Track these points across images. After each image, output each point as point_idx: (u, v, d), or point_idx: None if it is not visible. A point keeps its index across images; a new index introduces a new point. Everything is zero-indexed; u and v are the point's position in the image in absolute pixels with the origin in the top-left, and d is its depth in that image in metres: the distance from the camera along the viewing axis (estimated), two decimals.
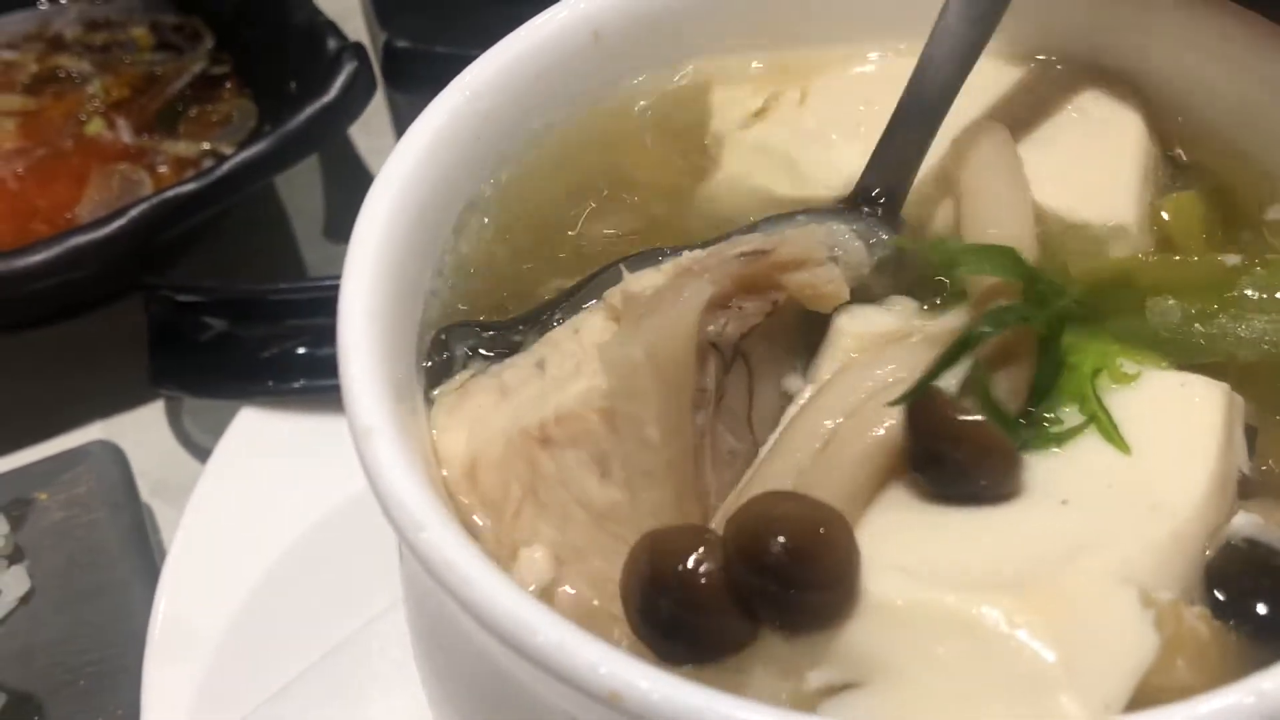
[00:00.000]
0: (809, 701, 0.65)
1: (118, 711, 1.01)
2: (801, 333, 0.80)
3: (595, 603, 0.73)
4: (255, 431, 1.14)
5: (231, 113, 1.38)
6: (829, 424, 0.72)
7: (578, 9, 0.91)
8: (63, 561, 1.10)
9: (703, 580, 0.64)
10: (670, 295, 0.75)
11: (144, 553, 1.11)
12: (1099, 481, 0.69)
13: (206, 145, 1.36)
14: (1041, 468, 0.70)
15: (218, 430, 1.24)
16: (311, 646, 1.00)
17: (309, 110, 1.22)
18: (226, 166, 1.19)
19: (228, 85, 1.42)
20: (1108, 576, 0.64)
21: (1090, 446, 0.71)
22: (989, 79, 0.92)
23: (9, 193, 1.32)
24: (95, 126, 1.38)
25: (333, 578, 1.06)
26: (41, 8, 1.51)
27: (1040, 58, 0.95)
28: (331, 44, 1.28)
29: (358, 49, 1.27)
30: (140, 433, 1.26)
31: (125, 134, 1.37)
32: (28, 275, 1.15)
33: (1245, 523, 0.68)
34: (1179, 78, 0.92)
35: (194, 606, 1.03)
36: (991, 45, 0.92)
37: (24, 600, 1.08)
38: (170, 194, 1.17)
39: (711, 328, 0.76)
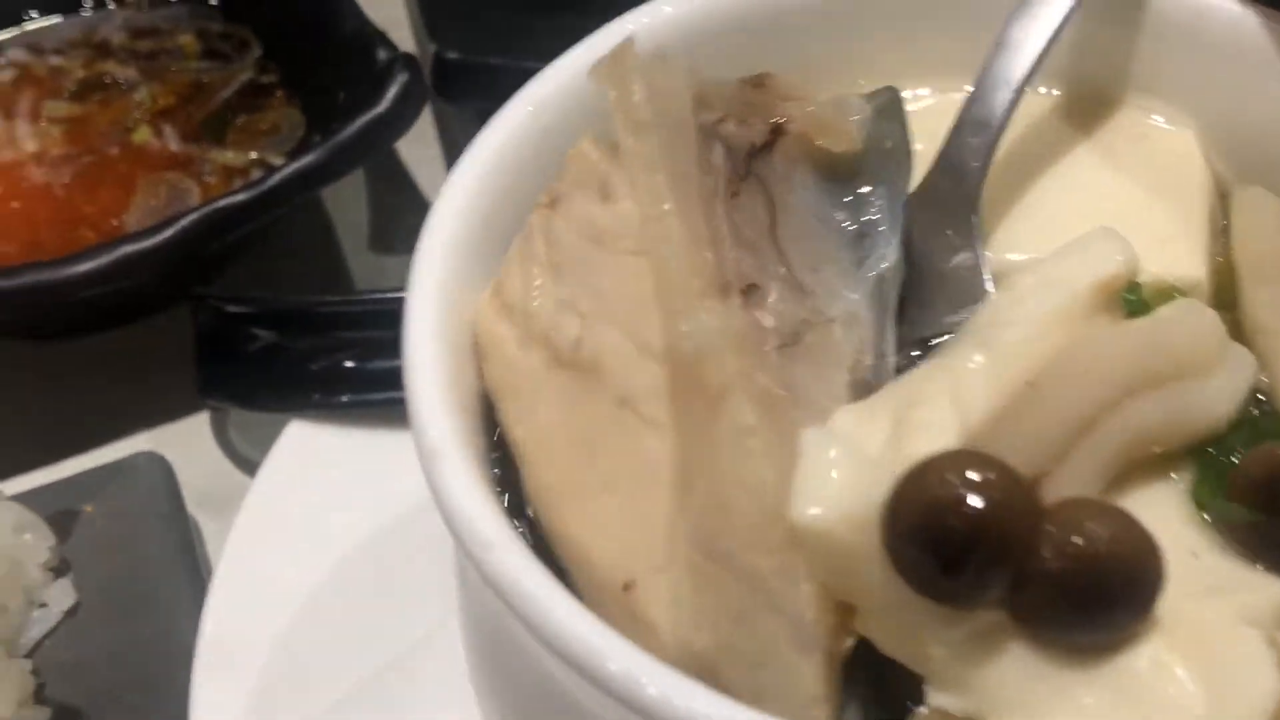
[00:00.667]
0: None
1: None
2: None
3: (628, 346, 0.71)
4: (303, 445, 1.12)
5: (279, 122, 1.37)
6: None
7: (641, 24, 0.90)
8: (109, 575, 1.08)
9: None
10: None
11: (191, 567, 1.10)
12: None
13: (254, 155, 1.34)
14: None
15: (263, 443, 1.23)
16: (361, 664, 0.98)
17: (360, 121, 1.21)
18: (277, 177, 1.18)
19: (276, 94, 1.40)
20: (1236, 619, 0.62)
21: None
22: (1045, 115, 0.91)
23: (55, 199, 1.31)
24: (142, 134, 1.36)
25: (381, 594, 1.05)
26: (86, 13, 1.50)
27: (1098, 95, 0.93)
28: (382, 55, 1.27)
29: (409, 60, 1.26)
30: (185, 444, 1.25)
31: (172, 142, 1.36)
32: (77, 283, 1.14)
33: None
34: (1234, 121, 0.90)
35: (242, 622, 1.02)
36: (1048, 81, 0.92)
37: (70, 613, 1.06)
38: (221, 204, 1.16)
39: (706, 116, 0.75)
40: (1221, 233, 0.86)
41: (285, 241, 1.35)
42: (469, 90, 1.35)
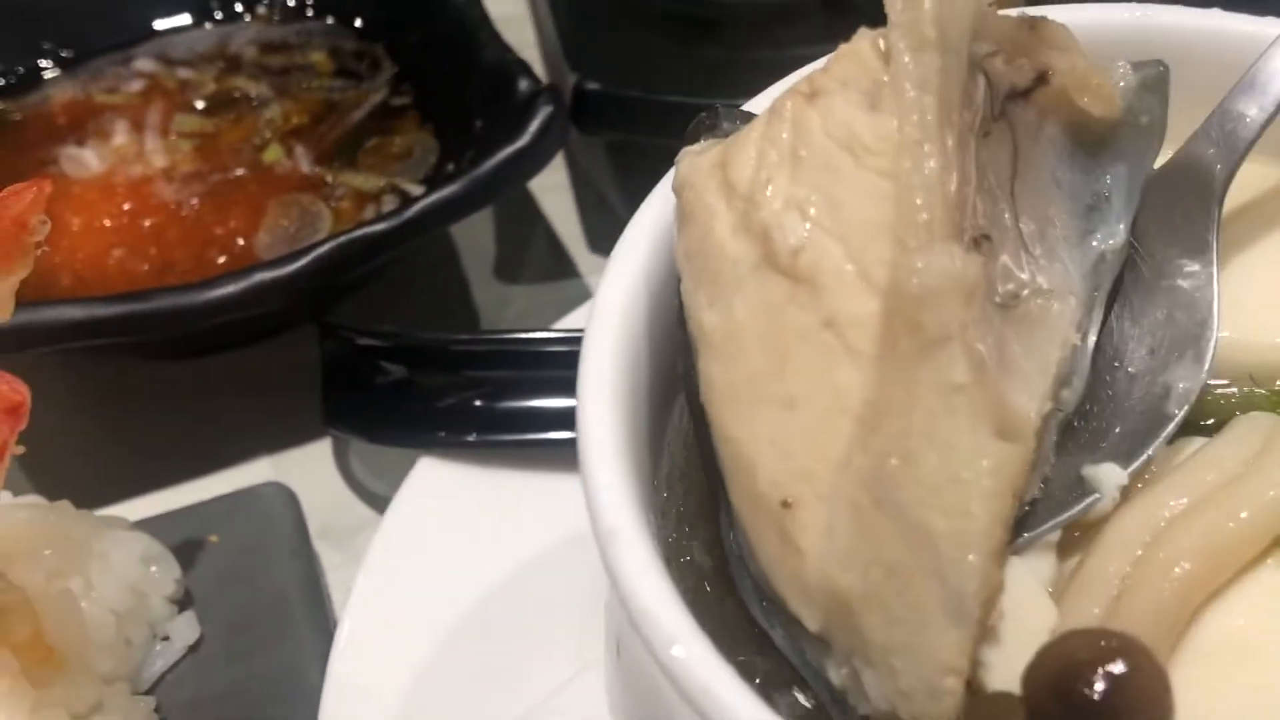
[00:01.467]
0: None
1: None
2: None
3: (849, 267, 0.66)
4: (434, 482, 1.10)
5: (412, 146, 1.35)
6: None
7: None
8: (233, 608, 1.06)
9: None
10: None
11: (316, 602, 1.08)
12: None
13: (385, 180, 1.32)
14: None
15: (385, 474, 1.21)
16: (492, 712, 0.97)
17: (503, 154, 1.18)
18: (416, 208, 1.16)
19: (409, 117, 1.38)
20: None
21: None
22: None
23: (185, 219, 1.29)
24: (273, 153, 1.34)
25: (514, 640, 1.03)
26: (217, 24, 1.48)
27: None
28: (524, 85, 1.24)
29: (555, 93, 1.23)
30: (307, 471, 1.24)
31: (303, 162, 1.34)
32: (212, 309, 1.12)
33: None
34: None
35: (371, 664, 1.00)
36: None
37: (193, 648, 1.04)
38: (358, 234, 1.14)
39: (978, 48, 0.70)
40: None
41: (409, 270, 1.33)
42: (607, 122, 1.32)
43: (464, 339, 1.18)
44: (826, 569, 0.63)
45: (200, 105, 1.41)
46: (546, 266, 1.42)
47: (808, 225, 0.67)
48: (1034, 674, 0.58)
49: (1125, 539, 0.66)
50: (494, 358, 1.16)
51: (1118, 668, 0.56)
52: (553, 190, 1.46)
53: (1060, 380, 0.69)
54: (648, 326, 0.77)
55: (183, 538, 1.09)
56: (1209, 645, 0.64)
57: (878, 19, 0.74)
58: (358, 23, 1.47)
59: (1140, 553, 0.65)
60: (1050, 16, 0.75)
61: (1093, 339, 0.73)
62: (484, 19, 1.34)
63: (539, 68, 1.46)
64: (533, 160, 1.21)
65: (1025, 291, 0.69)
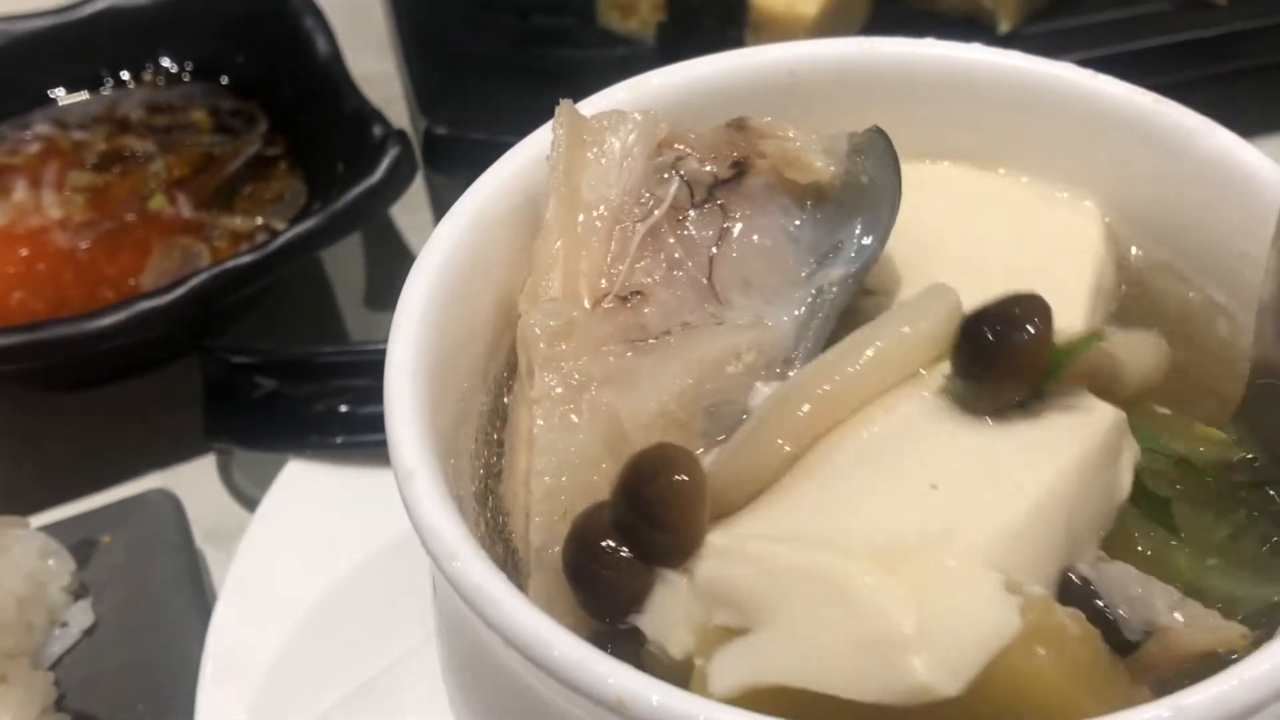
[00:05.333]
0: (712, 643, 0.73)
1: None
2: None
3: None
4: (301, 483, 1.24)
5: (284, 191, 1.50)
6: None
7: (618, 99, 1.02)
8: (124, 598, 1.20)
9: (595, 529, 0.77)
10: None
11: (197, 592, 1.21)
12: (970, 468, 0.76)
13: (260, 220, 1.47)
14: (916, 452, 0.77)
15: (265, 482, 1.34)
16: (349, 679, 1.09)
17: (355, 191, 1.34)
18: (280, 241, 1.30)
19: (281, 165, 1.53)
20: (973, 558, 0.69)
21: (970, 436, 0.78)
22: (957, 184, 1.03)
23: (79, 261, 1.43)
24: (158, 202, 1.49)
25: (369, 616, 1.15)
26: (107, 92, 1.63)
27: (1009, 171, 1.05)
28: (377, 130, 1.40)
29: (401, 136, 1.39)
30: (194, 483, 1.37)
31: (185, 209, 1.48)
32: (97, 337, 1.26)
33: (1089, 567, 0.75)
34: (1138, 209, 1.01)
35: (242, 640, 1.13)
36: (961, 152, 1.04)
37: (89, 632, 1.18)
38: (229, 265, 1.29)
39: (667, 155, 0.90)
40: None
41: (287, 298, 1.48)
42: (457, 162, 1.48)
43: (329, 351, 1.32)
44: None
45: (93, 162, 1.55)
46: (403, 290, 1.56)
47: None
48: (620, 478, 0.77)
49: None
50: (356, 367, 1.30)
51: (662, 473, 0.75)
52: (417, 227, 1.61)
53: (700, 397, 0.86)
54: (449, 317, 0.92)
55: (79, 538, 1.23)
56: (834, 458, 0.79)
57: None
58: (224, 80, 1.62)
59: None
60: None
61: (800, 361, 0.88)
62: (345, 75, 1.50)
63: (406, 115, 1.62)
64: (384, 196, 1.37)
65: (670, 329, 0.87)
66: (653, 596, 0.77)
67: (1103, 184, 1.03)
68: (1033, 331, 0.79)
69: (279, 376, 1.30)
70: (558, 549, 0.80)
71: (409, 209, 1.55)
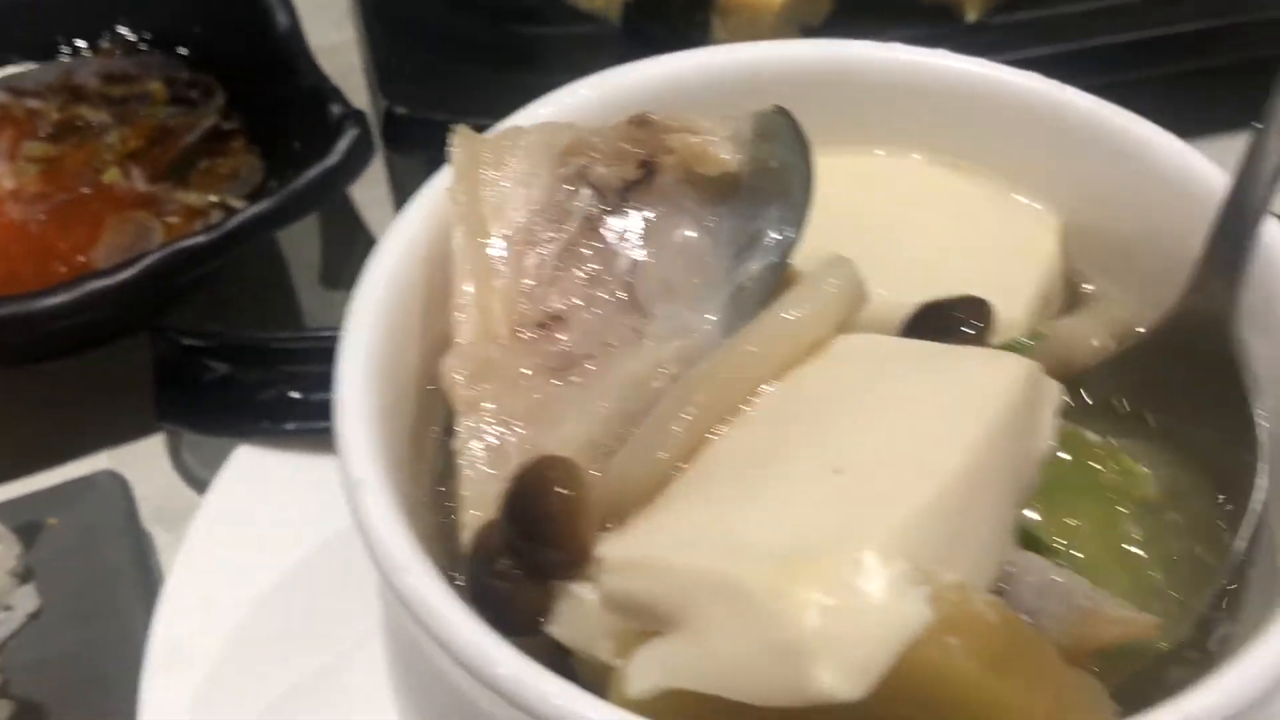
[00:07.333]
0: (630, 644, 0.74)
1: None
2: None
3: None
4: (250, 468, 1.23)
5: (239, 167, 1.48)
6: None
7: (579, 95, 1.01)
8: (70, 582, 1.19)
9: (491, 549, 0.79)
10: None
11: (144, 576, 1.21)
12: (875, 448, 0.76)
13: (214, 197, 1.45)
14: (819, 436, 0.77)
15: (214, 463, 1.32)
16: (296, 668, 1.09)
17: (313, 172, 1.32)
18: (236, 220, 1.29)
19: (237, 142, 1.51)
20: (878, 550, 0.67)
21: (874, 412, 0.78)
22: (916, 180, 1.03)
23: (31, 235, 1.41)
24: (112, 175, 1.47)
25: (317, 606, 1.15)
26: (64, 59, 1.60)
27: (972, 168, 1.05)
28: (335, 110, 1.38)
29: (359, 116, 1.37)
30: (142, 463, 1.36)
31: (139, 182, 1.46)
32: (47, 315, 1.24)
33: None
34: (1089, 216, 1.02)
35: (189, 627, 1.11)
36: (931, 150, 1.04)
37: (34, 616, 1.17)
38: (183, 244, 1.27)
39: (572, 164, 0.89)
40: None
41: (242, 277, 1.46)
42: (416, 143, 1.47)
43: (282, 337, 1.30)
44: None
45: (47, 132, 1.52)
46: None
47: None
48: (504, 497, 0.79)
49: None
50: (309, 354, 1.28)
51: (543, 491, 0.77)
52: (375, 204, 1.59)
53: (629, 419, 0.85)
54: (403, 319, 0.92)
55: (24, 520, 1.22)
56: (737, 447, 0.80)
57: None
58: (183, 51, 1.59)
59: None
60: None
61: None
62: (304, 50, 1.48)
63: (366, 93, 1.60)
64: (341, 177, 1.35)
65: (593, 352, 0.87)
66: (558, 608, 0.77)
67: (1064, 195, 1.04)
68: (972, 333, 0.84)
69: (231, 361, 1.29)
70: None
71: (367, 186, 1.53)
